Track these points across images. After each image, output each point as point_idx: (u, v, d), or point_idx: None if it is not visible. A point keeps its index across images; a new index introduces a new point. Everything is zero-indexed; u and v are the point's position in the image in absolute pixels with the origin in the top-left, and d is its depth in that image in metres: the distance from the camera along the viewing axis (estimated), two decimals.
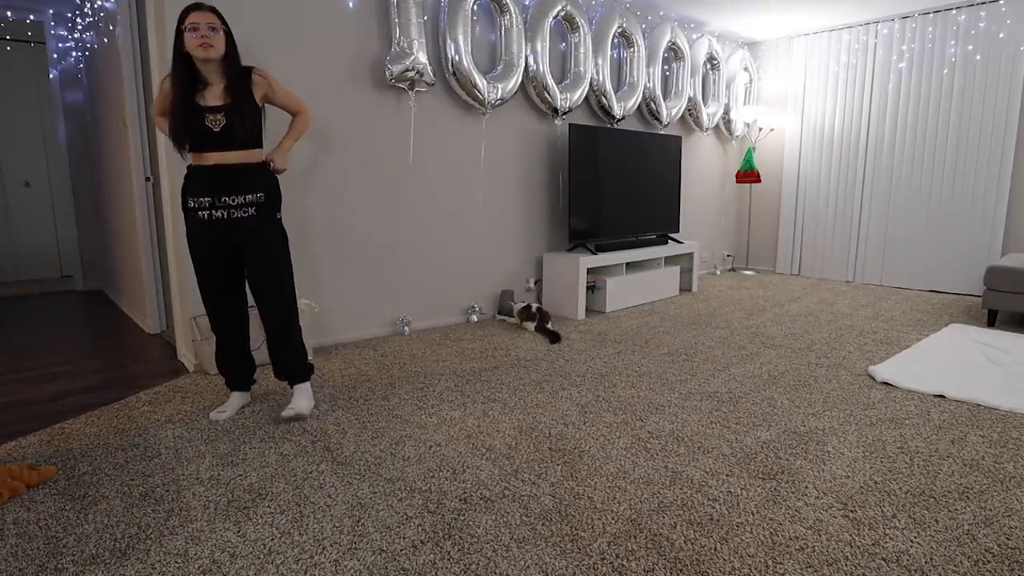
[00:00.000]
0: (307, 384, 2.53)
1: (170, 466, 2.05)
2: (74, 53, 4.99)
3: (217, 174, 2.27)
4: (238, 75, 2.28)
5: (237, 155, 2.28)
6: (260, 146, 2.36)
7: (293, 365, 2.50)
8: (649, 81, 5.04)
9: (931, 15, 5.13)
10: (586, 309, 4.46)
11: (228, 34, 2.24)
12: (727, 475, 1.99)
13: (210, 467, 2.04)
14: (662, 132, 5.26)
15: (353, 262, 3.61)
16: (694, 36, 5.62)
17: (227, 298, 2.42)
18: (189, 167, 2.33)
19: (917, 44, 5.22)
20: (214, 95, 2.24)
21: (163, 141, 3.08)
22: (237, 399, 2.54)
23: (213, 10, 2.21)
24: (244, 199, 2.30)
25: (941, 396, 2.73)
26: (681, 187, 5.28)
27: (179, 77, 2.21)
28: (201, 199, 2.28)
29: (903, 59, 5.31)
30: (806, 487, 1.92)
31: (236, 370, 2.52)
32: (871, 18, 5.41)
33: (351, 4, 3.41)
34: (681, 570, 1.51)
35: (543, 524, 1.71)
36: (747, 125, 6.32)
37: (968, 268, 5.14)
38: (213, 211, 2.28)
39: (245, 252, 2.35)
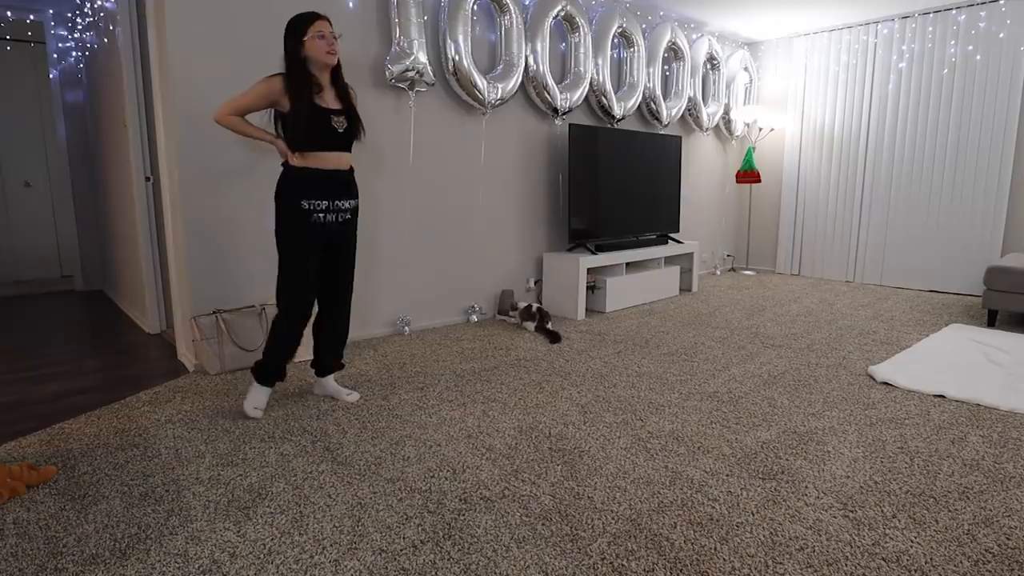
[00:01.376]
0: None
1: (170, 466, 2.05)
2: (74, 53, 4.99)
3: (333, 177, 2.40)
4: (344, 82, 2.44)
5: (349, 158, 2.45)
6: None
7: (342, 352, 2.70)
8: (649, 81, 5.04)
9: (931, 15, 5.13)
10: (586, 309, 4.46)
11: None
12: (727, 475, 1.99)
13: (210, 467, 2.04)
14: (662, 132, 5.26)
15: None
16: (694, 36, 5.62)
17: (314, 294, 2.50)
18: (299, 168, 2.36)
19: (917, 44, 5.22)
20: (331, 99, 2.38)
21: (163, 141, 3.08)
22: (266, 395, 2.52)
23: (326, 16, 2.36)
24: (350, 204, 2.47)
25: (941, 396, 2.73)
26: (681, 187, 5.28)
27: (300, 80, 2.31)
28: (319, 202, 2.37)
29: (903, 59, 5.31)
30: (806, 487, 1.92)
31: (285, 365, 2.54)
32: (871, 18, 5.41)
33: (351, 4, 3.41)
34: (681, 570, 1.51)
35: (543, 524, 1.71)
36: (747, 125, 6.32)
37: (968, 268, 5.14)
38: (327, 214, 2.40)
39: (339, 250, 2.50)
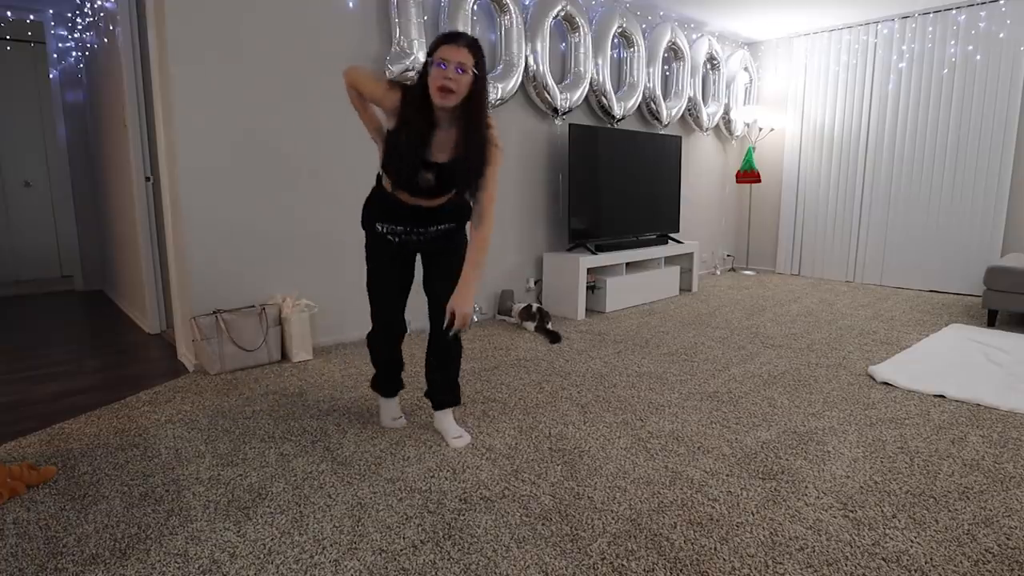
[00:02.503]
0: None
1: (170, 466, 2.05)
2: (74, 53, 4.99)
3: (415, 209, 2.07)
4: (474, 132, 1.95)
5: (440, 200, 2.07)
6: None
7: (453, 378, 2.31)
8: (649, 81, 5.04)
9: (931, 15, 5.13)
10: (586, 309, 4.46)
11: (479, 78, 1.89)
12: (727, 475, 1.99)
13: (210, 467, 2.04)
14: (662, 132, 5.26)
15: (353, 262, 3.61)
16: (694, 36, 5.62)
17: (394, 312, 2.28)
18: (379, 192, 2.12)
19: (917, 44, 5.22)
20: (440, 146, 1.96)
21: (163, 141, 3.08)
22: (394, 404, 2.41)
23: (472, 47, 1.88)
24: (437, 228, 2.13)
25: (941, 396, 2.73)
26: (681, 187, 5.28)
27: (414, 110, 1.91)
28: (394, 227, 2.10)
29: (903, 59, 5.31)
30: (806, 487, 1.92)
31: (395, 375, 2.39)
32: (871, 18, 5.41)
33: (351, 4, 3.41)
34: (681, 570, 1.51)
35: (543, 524, 1.71)
36: (747, 125, 6.32)
37: (968, 268, 5.14)
38: (405, 236, 2.13)
39: (432, 260, 2.21)
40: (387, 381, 2.37)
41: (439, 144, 1.96)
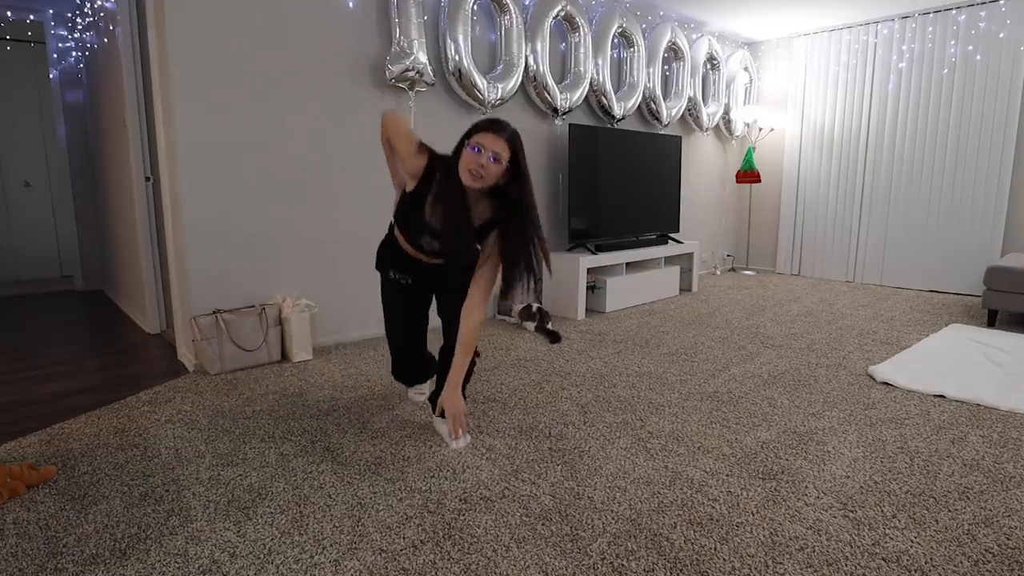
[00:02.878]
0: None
1: (170, 466, 2.05)
2: (74, 53, 4.99)
3: (418, 266, 2.16)
4: (497, 216, 1.98)
5: (441, 263, 2.15)
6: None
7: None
8: (649, 81, 5.04)
9: (931, 15, 5.13)
10: (586, 309, 4.46)
11: (514, 164, 1.91)
12: (727, 475, 1.99)
13: (210, 467, 2.04)
14: (662, 132, 5.26)
15: (353, 262, 3.61)
16: (694, 36, 5.62)
17: (409, 346, 2.31)
18: (392, 240, 2.18)
19: (917, 44, 5.22)
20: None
21: (163, 141, 3.08)
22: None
23: (510, 141, 1.90)
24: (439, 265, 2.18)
25: (941, 396, 2.73)
26: (681, 187, 5.28)
27: (443, 183, 1.93)
28: (404, 275, 2.20)
29: (903, 59, 5.31)
30: (806, 487, 1.92)
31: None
32: (871, 18, 5.41)
33: (351, 4, 3.41)
34: (681, 570, 1.51)
35: (543, 524, 1.71)
36: (747, 125, 6.32)
37: (968, 268, 5.14)
38: (415, 278, 2.21)
39: (443, 286, 2.24)
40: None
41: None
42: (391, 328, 2.31)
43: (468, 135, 1.91)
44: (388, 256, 2.21)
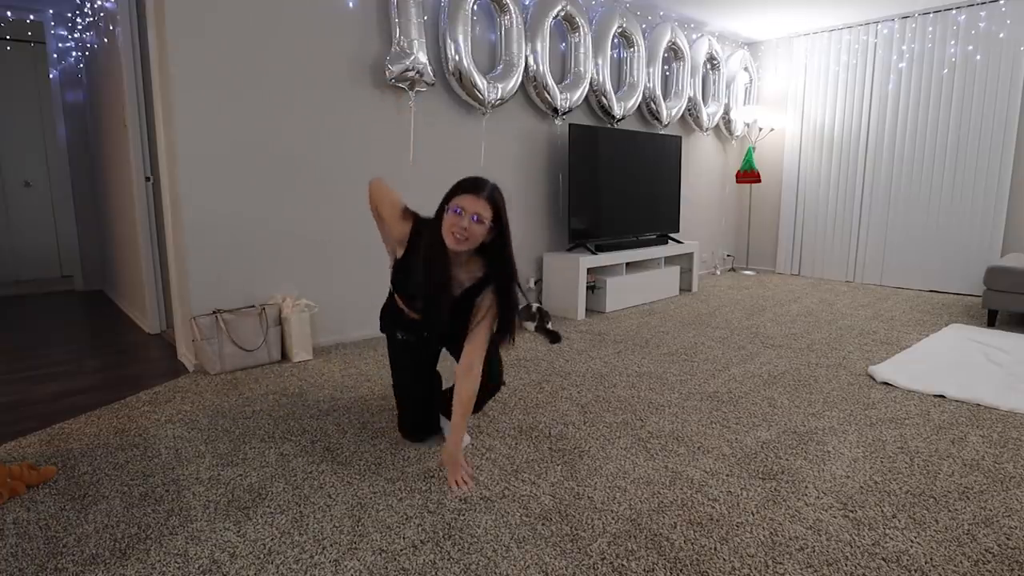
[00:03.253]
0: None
1: (170, 466, 2.05)
2: (74, 53, 4.99)
3: (417, 323, 2.14)
4: (478, 281, 1.97)
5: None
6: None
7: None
8: (649, 81, 5.04)
9: (931, 15, 5.13)
10: (586, 309, 4.46)
11: (497, 226, 1.91)
12: (727, 475, 1.99)
13: (210, 467, 2.04)
14: (662, 132, 5.26)
15: (353, 262, 3.61)
16: (694, 36, 5.62)
17: (418, 406, 2.23)
18: (392, 303, 2.19)
19: (917, 44, 5.22)
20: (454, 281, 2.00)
21: (163, 141, 3.08)
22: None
23: (490, 200, 1.88)
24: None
25: (941, 396, 2.73)
26: (681, 187, 5.28)
27: (429, 249, 1.91)
28: (409, 335, 2.18)
29: (903, 59, 5.31)
30: (806, 487, 1.92)
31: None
32: (871, 18, 5.41)
33: (351, 4, 3.41)
34: (681, 570, 1.51)
35: (543, 524, 1.71)
36: (747, 125, 6.32)
37: (968, 268, 5.14)
38: (418, 336, 2.19)
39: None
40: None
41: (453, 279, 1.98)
42: (398, 383, 2.25)
43: (448, 197, 1.89)
44: (390, 318, 2.22)
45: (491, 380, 2.11)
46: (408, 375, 2.23)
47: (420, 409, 2.22)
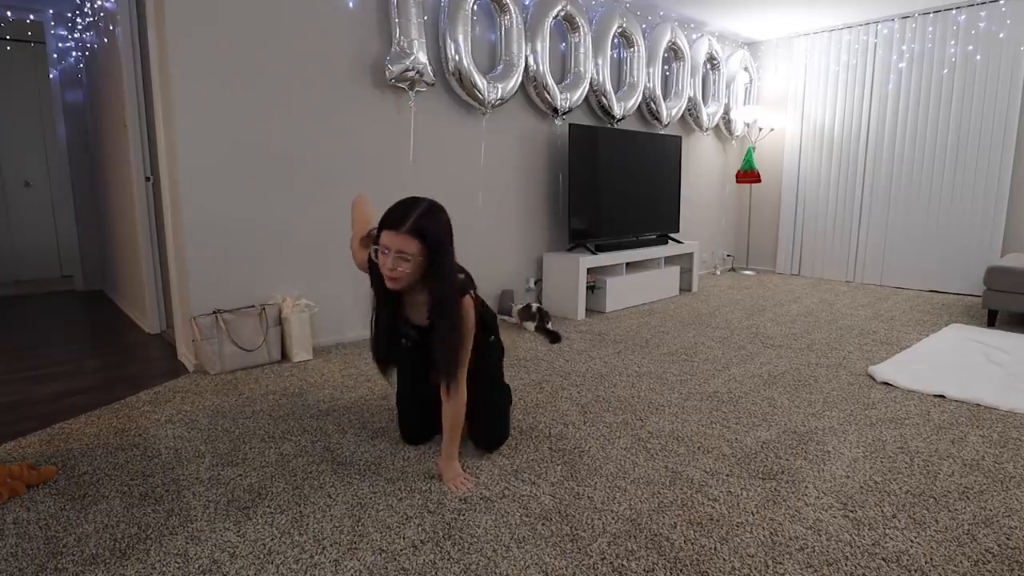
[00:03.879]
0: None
1: (170, 466, 2.05)
2: (74, 53, 4.99)
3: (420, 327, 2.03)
4: (443, 301, 1.81)
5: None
6: None
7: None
8: (649, 81, 5.04)
9: (931, 15, 5.13)
10: (586, 309, 4.46)
11: (429, 256, 1.75)
12: (727, 475, 1.99)
13: (210, 467, 2.04)
14: (662, 132, 5.26)
15: (353, 262, 3.60)
16: (694, 36, 5.62)
17: (413, 411, 2.20)
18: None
19: (917, 44, 5.22)
20: (415, 308, 1.93)
21: (163, 141, 3.08)
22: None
23: (415, 230, 1.71)
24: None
25: (941, 396, 2.73)
26: (681, 187, 5.28)
27: (377, 283, 1.86)
28: (409, 339, 2.06)
29: (903, 59, 5.31)
30: (806, 487, 1.92)
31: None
32: (871, 18, 5.41)
33: (351, 4, 3.41)
34: (681, 570, 1.51)
35: (543, 524, 1.71)
36: (747, 125, 6.32)
37: (968, 268, 5.14)
38: (420, 340, 2.05)
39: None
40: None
41: (413, 306, 1.93)
42: (400, 389, 2.23)
43: (377, 232, 1.78)
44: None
45: (502, 435, 2.17)
46: (407, 381, 2.22)
47: (419, 415, 2.21)
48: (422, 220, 1.74)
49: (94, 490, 1.89)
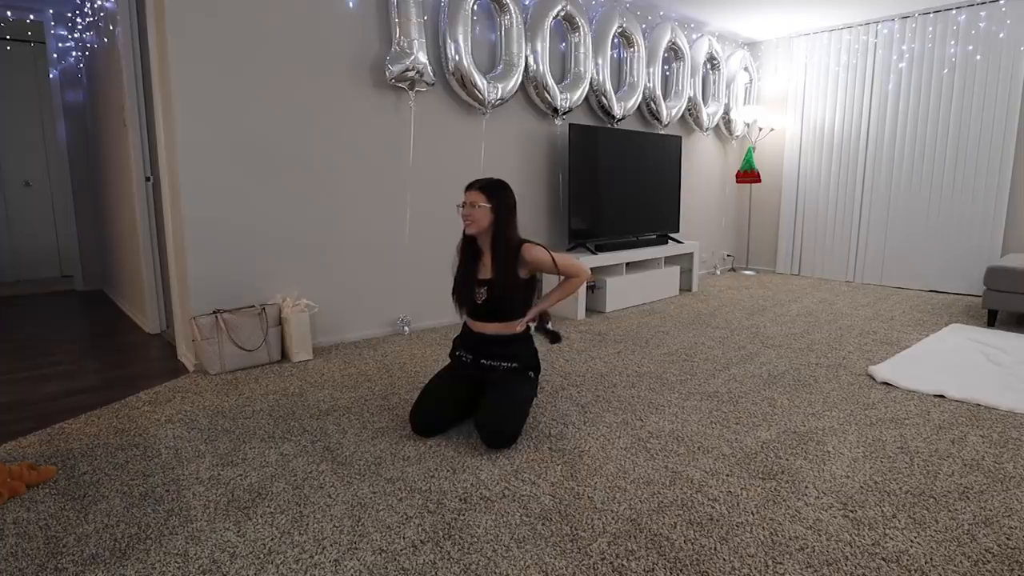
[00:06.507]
0: None
1: (170, 466, 2.05)
2: (74, 53, 4.99)
3: (479, 340, 2.40)
4: (505, 251, 2.31)
5: (495, 327, 2.37)
6: (523, 315, 2.42)
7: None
8: (649, 81, 5.04)
9: (931, 15, 5.13)
10: (586, 309, 4.46)
11: (497, 210, 2.29)
12: (727, 475, 1.99)
13: (210, 467, 2.04)
14: (662, 132, 5.26)
15: (353, 262, 3.61)
16: (694, 36, 5.62)
17: (433, 415, 2.30)
18: (463, 324, 2.49)
19: (917, 44, 5.22)
20: (484, 267, 2.36)
21: (163, 141, 3.08)
22: None
23: (485, 188, 2.30)
24: (499, 364, 2.37)
25: (941, 396, 2.73)
26: (681, 187, 5.28)
27: (464, 244, 2.39)
28: (465, 355, 2.43)
29: (903, 59, 5.31)
30: (806, 487, 1.92)
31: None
32: (871, 18, 5.41)
33: (351, 4, 3.41)
34: (681, 570, 1.51)
35: (543, 524, 1.71)
36: (747, 125, 6.32)
37: (968, 268, 5.14)
38: (475, 361, 2.41)
39: (489, 384, 2.35)
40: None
41: (484, 267, 2.37)
42: (432, 382, 2.44)
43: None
44: (458, 338, 2.50)
45: (511, 431, 2.21)
46: (445, 381, 2.42)
47: (438, 408, 2.31)
48: (491, 185, 2.33)
49: (94, 490, 1.89)
